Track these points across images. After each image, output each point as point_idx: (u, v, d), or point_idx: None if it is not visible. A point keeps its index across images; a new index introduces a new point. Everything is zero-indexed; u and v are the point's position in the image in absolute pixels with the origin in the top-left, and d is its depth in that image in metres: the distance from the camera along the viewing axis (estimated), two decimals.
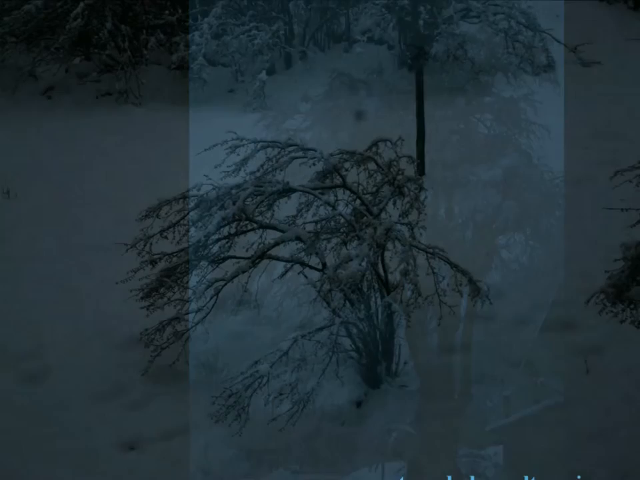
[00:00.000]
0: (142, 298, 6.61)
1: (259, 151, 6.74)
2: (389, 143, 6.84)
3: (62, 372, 6.81)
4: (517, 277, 7.57)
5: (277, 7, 13.11)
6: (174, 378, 6.62)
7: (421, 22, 11.53)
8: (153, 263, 6.62)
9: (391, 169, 6.71)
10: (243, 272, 6.53)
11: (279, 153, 6.74)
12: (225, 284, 6.56)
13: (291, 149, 6.71)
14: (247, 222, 6.53)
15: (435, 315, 6.29)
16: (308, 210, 6.78)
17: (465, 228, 8.37)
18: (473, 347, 6.82)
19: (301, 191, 6.59)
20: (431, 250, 6.40)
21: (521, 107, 11.34)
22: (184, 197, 6.63)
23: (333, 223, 6.76)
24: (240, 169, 6.76)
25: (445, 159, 9.86)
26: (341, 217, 6.61)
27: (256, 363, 5.77)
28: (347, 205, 6.73)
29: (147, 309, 6.58)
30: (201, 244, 6.50)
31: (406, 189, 6.68)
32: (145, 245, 6.62)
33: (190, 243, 6.51)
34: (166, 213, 6.63)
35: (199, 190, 6.61)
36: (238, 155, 6.75)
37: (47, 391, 6.66)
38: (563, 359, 6.60)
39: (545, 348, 6.75)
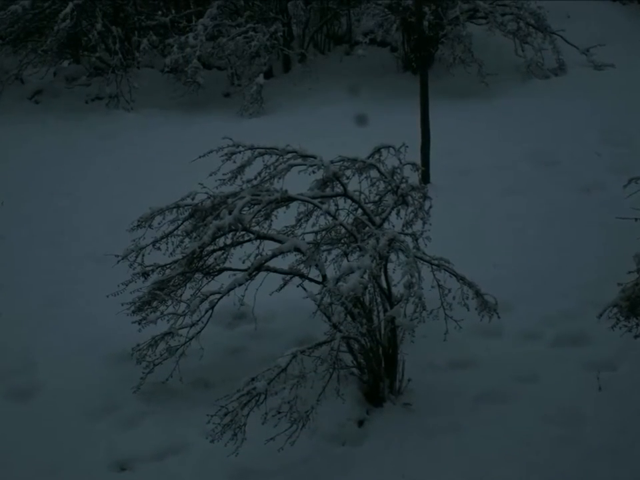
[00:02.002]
0: (134, 312, 6.63)
1: (256, 157, 6.75)
2: (392, 150, 6.86)
3: (51, 388, 6.82)
4: (526, 289, 7.59)
5: (274, 7, 13.14)
6: (167, 395, 6.65)
7: (425, 23, 11.56)
8: (145, 275, 6.64)
9: (394, 177, 6.73)
10: (240, 284, 6.54)
11: (277, 160, 6.76)
12: (221, 297, 6.58)
13: (289, 155, 6.73)
14: (244, 232, 6.55)
15: (441, 330, 6.30)
16: (307, 220, 6.80)
17: (471, 238, 8.39)
18: (479, 362, 6.85)
19: (300, 199, 6.61)
20: (436, 261, 6.42)
21: (530, 111, 11.37)
22: (177, 206, 6.65)
23: (333, 234, 6.79)
24: (236, 177, 6.78)
25: (451, 166, 9.88)
26: (341, 227, 6.64)
27: (253, 379, 5.77)
28: (348, 215, 6.75)
29: (139, 324, 6.61)
30: (195, 255, 6.52)
31: (410, 198, 6.70)
32: (136, 257, 6.64)
33: (184, 255, 6.53)
34: (159, 223, 6.65)
35: (193, 199, 6.63)
36: (234, 162, 6.77)
37: (35, 407, 6.68)
38: (574, 375, 6.63)
39: (555, 363, 6.78)
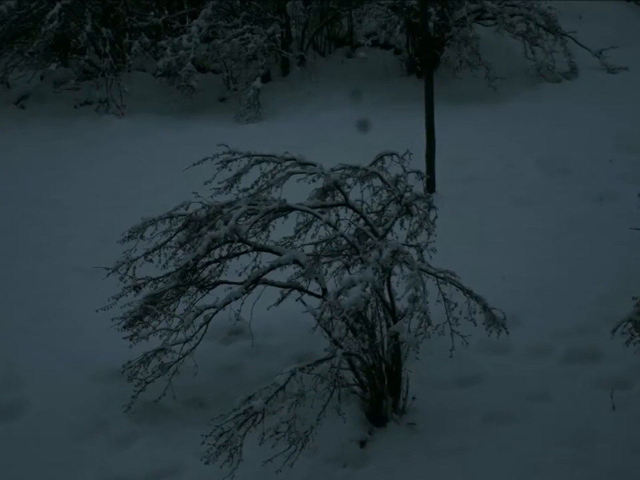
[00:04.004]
0: (124, 327, 6.64)
1: (253, 165, 6.77)
2: (395, 157, 6.88)
3: (37, 406, 6.81)
4: (536, 303, 7.61)
5: (272, 7, 13.18)
6: (160, 415, 6.66)
7: (430, 24, 11.61)
8: (137, 288, 6.65)
9: (398, 186, 6.74)
10: (236, 298, 6.56)
11: (274, 167, 6.77)
12: (216, 312, 6.59)
13: (288, 163, 6.75)
14: (240, 244, 6.57)
15: (447, 346, 6.32)
16: (307, 231, 6.81)
17: (479, 250, 8.41)
18: (487, 380, 6.87)
19: (299, 209, 6.63)
20: (441, 274, 6.43)
21: (540, 117, 11.40)
22: (170, 216, 6.66)
23: (334, 245, 6.80)
24: (232, 186, 6.80)
25: (458, 174, 9.90)
26: (343, 239, 6.65)
27: (249, 398, 5.78)
28: (349, 225, 6.76)
29: (130, 339, 6.62)
30: (189, 268, 6.54)
31: (414, 208, 6.72)
32: (127, 269, 6.66)
33: (177, 267, 6.55)
34: (151, 234, 6.66)
35: (187, 208, 6.65)
36: (230, 170, 6.79)
37: (22, 426, 6.67)
38: (586, 393, 6.64)
39: (567, 381, 6.79)
